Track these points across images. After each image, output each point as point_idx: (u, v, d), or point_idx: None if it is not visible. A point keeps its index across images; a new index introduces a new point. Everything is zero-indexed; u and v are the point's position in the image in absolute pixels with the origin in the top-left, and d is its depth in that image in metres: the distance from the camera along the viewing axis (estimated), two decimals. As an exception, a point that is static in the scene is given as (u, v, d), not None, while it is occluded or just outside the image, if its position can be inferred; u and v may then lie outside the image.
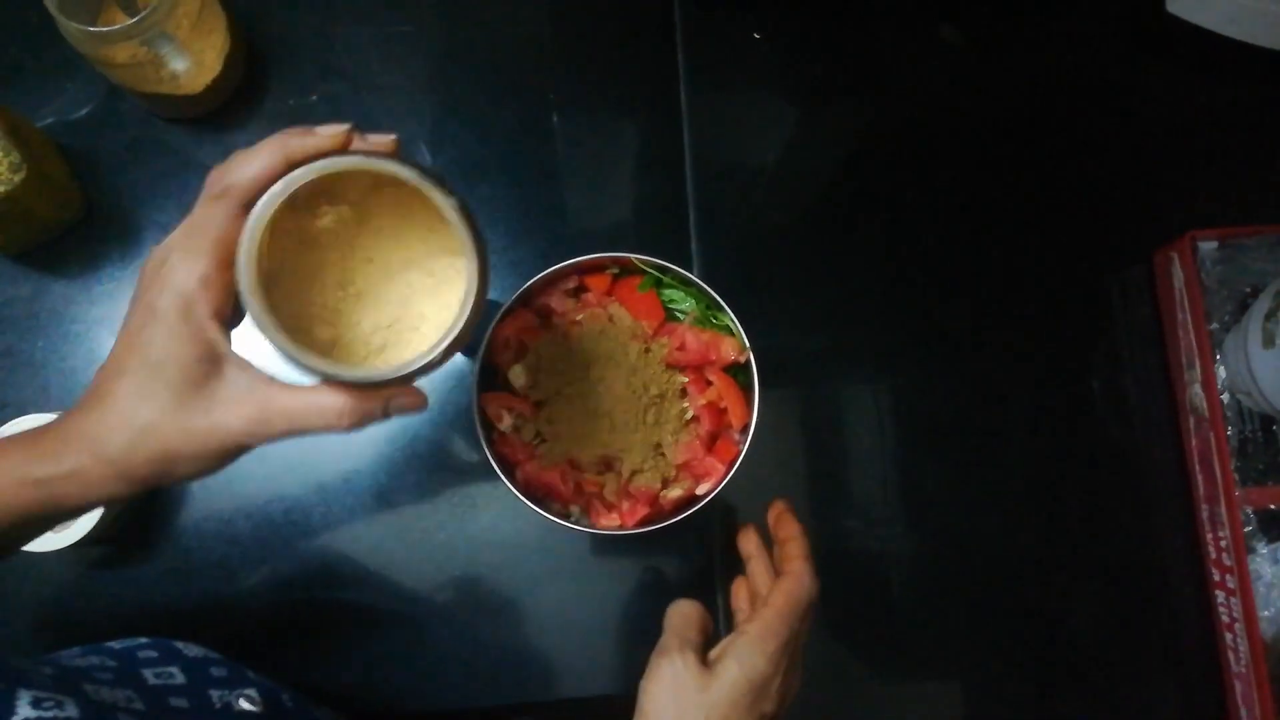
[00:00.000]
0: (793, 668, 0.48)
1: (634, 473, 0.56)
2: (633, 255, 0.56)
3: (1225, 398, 0.67)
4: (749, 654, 0.46)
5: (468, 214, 0.38)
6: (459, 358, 0.66)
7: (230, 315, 0.39)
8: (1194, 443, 0.69)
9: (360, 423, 0.39)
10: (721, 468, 0.55)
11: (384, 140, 0.39)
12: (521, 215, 0.69)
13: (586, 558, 0.65)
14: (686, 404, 0.57)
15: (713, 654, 0.48)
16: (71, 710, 0.41)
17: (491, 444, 0.54)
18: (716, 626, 0.62)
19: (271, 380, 0.38)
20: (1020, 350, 0.71)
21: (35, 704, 0.40)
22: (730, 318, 0.55)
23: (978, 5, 0.75)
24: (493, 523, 0.65)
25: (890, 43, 0.75)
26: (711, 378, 0.56)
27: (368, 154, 0.38)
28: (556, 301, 0.57)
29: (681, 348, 0.56)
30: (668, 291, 0.58)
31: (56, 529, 0.57)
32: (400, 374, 0.38)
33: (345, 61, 0.70)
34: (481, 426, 0.54)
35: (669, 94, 0.72)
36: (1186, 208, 0.71)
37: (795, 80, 0.74)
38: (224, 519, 0.63)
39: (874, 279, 0.71)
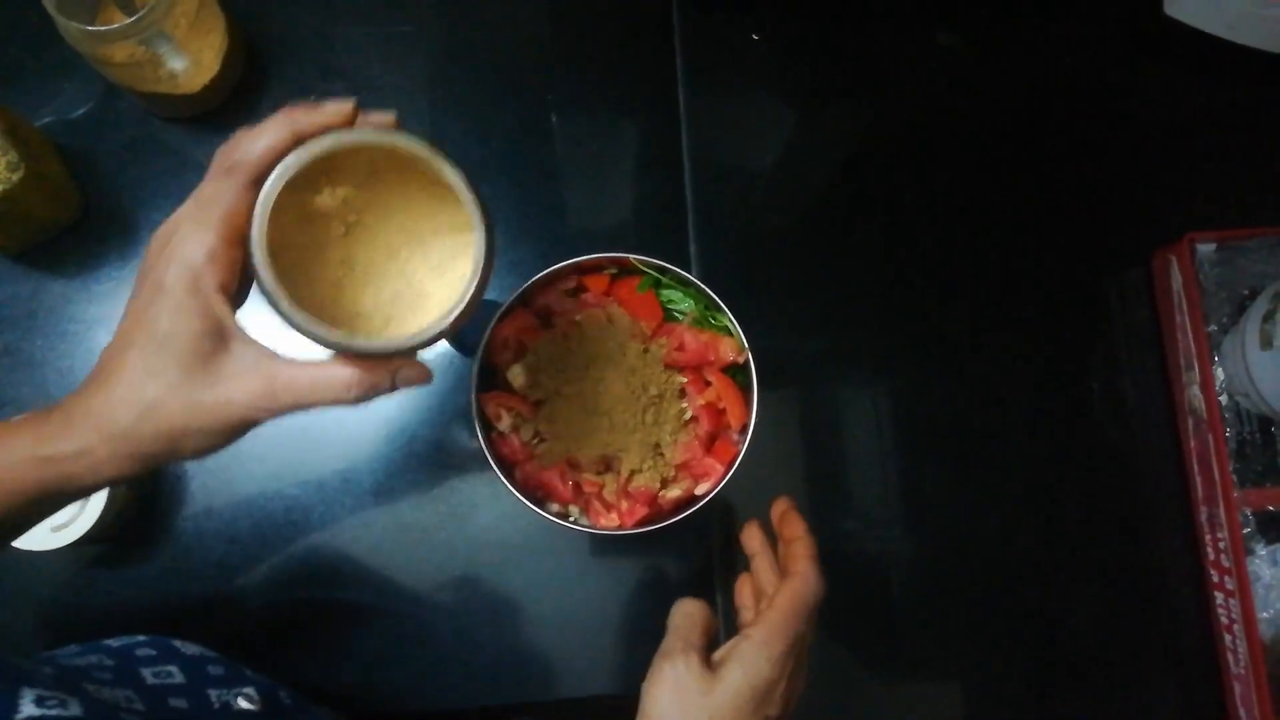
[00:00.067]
0: (798, 670, 0.47)
1: (633, 473, 0.56)
2: (631, 255, 0.56)
3: (1223, 399, 0.67)
4: (753, 658, 0.45)
5: (474, 186, 0.38)
6: (458, 357, 0.66)
7: (236, 291, 0.39)
8: (1192, 444, 0.69)
9: (367, 395, 0.39)
10: (720, 468, 0.55)
11: (385, 118, 0.39)
12: (521, 215, 0.69)
13: (585, 558, 0.65)
14: (685, 404, 0.57)
15: (716, 656, 0.47)
16: (76, 709, 0.41)
17: (490, 444, 0.54)
18: (715, 627, 0.62)
19: (278, 355, 0.38)
20: (1019, 352, 0.71)
21: (39, 702, 0.40)
22: (729, 318, 0.55)
23: (976, 8, 0.75)
24: (492, 522, 0.65)
25: (889, 45, 0.75)
26: (710, 378, 0.56)
27: (377, 129, 0.38)
28: (555, 301, 0.57)
29: (680, 348, 0.56)
30: (666, 292, 0.58)
31: (55, 528, 0.57)
32: (411, 343, 0.38)
33: (345, 61, 0.70)
34: (480, 426, 0.54)
35: (668, 95, 0.72)
36: (1185, 210, 0.71)
37: (794, 82, 0.74)
38: (224, 518, 0.63)
39: (873, 281, 0.71)
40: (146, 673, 0.51)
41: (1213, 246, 0.68)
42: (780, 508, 0.53)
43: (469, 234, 0.40)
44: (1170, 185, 0.74)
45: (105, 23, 0.57)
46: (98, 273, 0.66)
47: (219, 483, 0.64)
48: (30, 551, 0.57)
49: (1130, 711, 0.68)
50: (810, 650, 0.49)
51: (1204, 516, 0.68)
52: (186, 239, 0.37)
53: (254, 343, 0.38)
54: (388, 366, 0.39)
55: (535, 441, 0.56)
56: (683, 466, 0.56)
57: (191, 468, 0.64)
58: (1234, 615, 0.65)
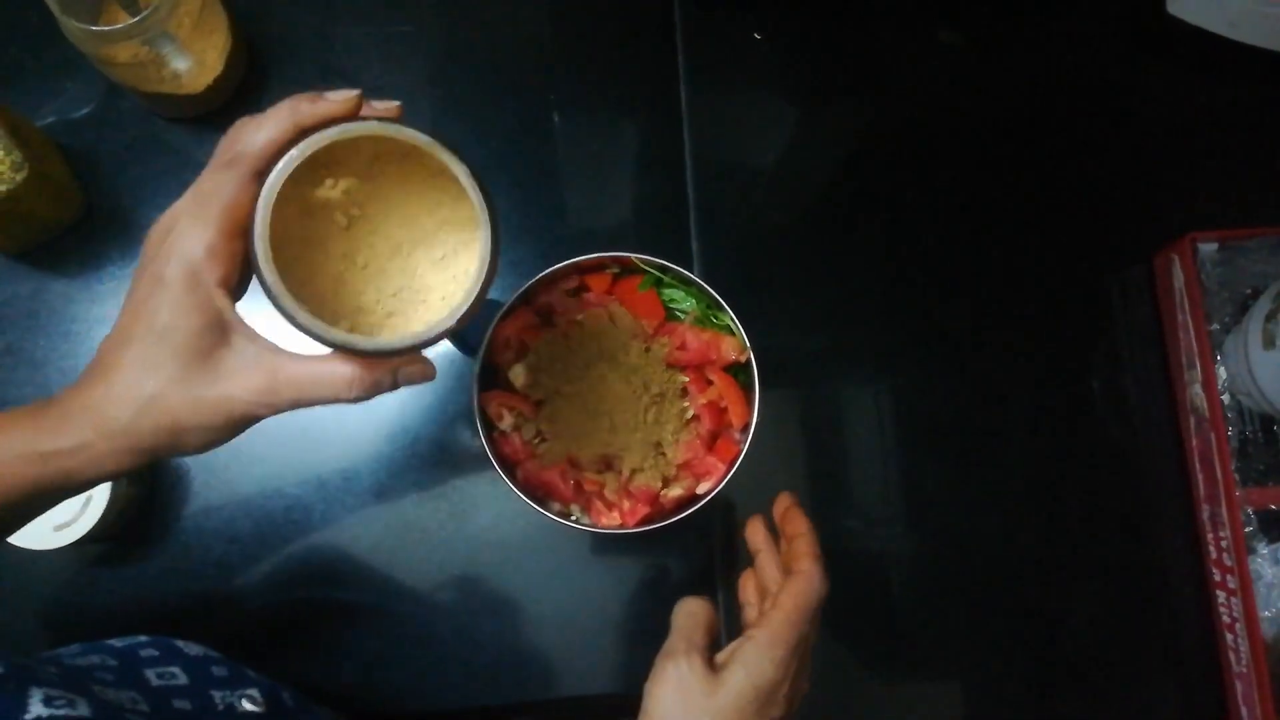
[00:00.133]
0: (801, 670, 0.47)
1: (634, 472, 0.56)
2: (633, 255, 0.56)
3: (1226, 398, 0.67)
4: (757, 660, 0.45)
5: (480, 180, 0.38)
6: (460, 356, 0.66)
7: (236, 284, 0.38)
8: (1194, 443, 0.69)
9: (368, 393, 0.38)
10: (722, 467, 0.55)
11: (389, 106, 0.39)
12: (522, 215, 0.69)
13: (587, 557, 0.65)
14: (687, 403, 0.57)
15: (719, 658, 0.46)
16: (84, 709, 0.41)
17: (492, 443, 0.54)
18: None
19: (279, 349, 0.38)
20: (1020, 350, 0.71)
21: (47, 702, 0.39)
22: (730, 317, 0.55)
23: (978, 6, 0.75)
24: (493, 522, 0.65)
25: (890, 43, 0.75)
26: (712, 377, 0.56)
27: (381, 120, 0.37)
28: (557, 301, 0.57)
29: (682, 347, 0.56)
30: (668, 291, 0.58)
31: (57, 527, 0.57)
32: (414, 343, 0.38)
33: (345, 61, 0.70)
34: (482, 425, 0.54)
35: (669, 94, 0.72)
36: (1187, 209, 0.71)
37: (795, 80, 0.74)
38: (224, 517, 0.63)
39: (874, 279, 0.71)
40: (150, 673, 0.51)
41: (1215, 246, 0.68)
42: (783, 504, 0.53)
43: (473, 228, 0.40)
44: (1172, 183, 0.74)
45: (108, 23, 0.58)
46: (100, 272, 0.66)
47: (220, 482, 0.64)
48: (32, 550, 0.57)
49: (1131, 710, 0.68)
50: (813, 650, 0.49)
51: (1206, 515, 0.68)
52: (186, 232, 0.36)
53: (256, 337, 0.38)
54: (390, 364, 0.39)
55: (537, 441, 0.56)
56: (684, 465, 0.56)
57: (192, 467, 0.64)
58: (1236, 614, 0.65)
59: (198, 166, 0.39)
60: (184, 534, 0.63)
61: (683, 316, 0.58)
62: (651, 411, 0.56)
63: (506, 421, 0.56)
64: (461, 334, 0.59)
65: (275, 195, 0.36)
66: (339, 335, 0.37)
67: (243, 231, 0.37)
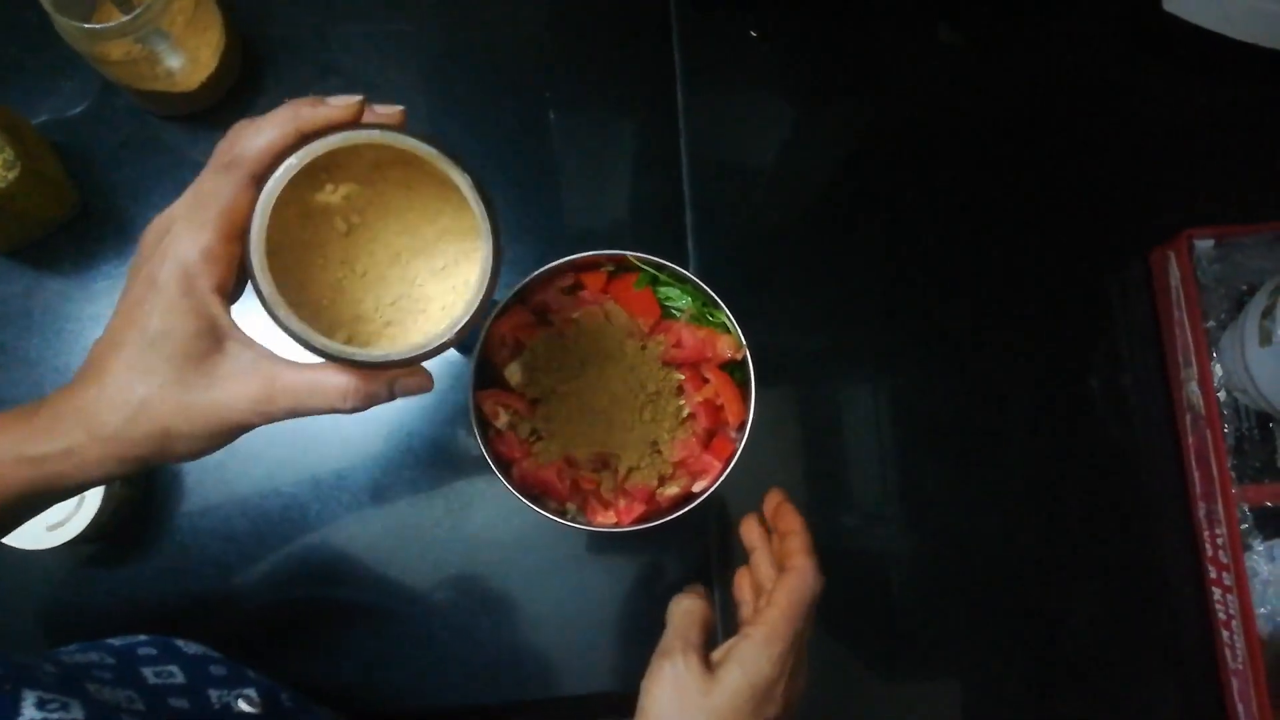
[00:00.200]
0: (798, 667, 0.46)
1: (630, 470, 0.56)
2: (629, 253, 0.56)
3: (1222, 395, 0.67)
4: (753, 658, 0.44)
5: (483, 191, 0.37)
6: (456, 355, 0.66)
7: (232, 289, 0.38)
8: (1191, 441, 0.69)
9: (365, 404, 0.38)
10: (718, 465, 0.55)
11: (391, 111, 0.38)
12: (519, 213, 0.69)
13: (583, 555, 0.65)
14: (683, 401, 0.57)
15: (715, 655, 0.46)
16: (77, 712, 0.40)
17: (488, 441, 0.54)
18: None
19: (275, 357, 0.37)
20: (1019, 349, 0.71)
21: (40, 705, 0.39)
22: (726, 314, 0.55)
23: (977, 5, 0.75)
24: (489, 520, 0.65)
25: (889, 42, 0.75)
26: (708, 375, 0.56)
27: (384, 128, 0.37)
28: (553, 299, 0.57)
29: (678, 345, 0.56)
30: (664, 289, 0.58)
31: (50, 526, 0.57)
32: (412, 355, 0.37)
33: (343, 60, 0.70)
34: (478, 424, 0.54)
35: (666, 93, 0.72)
36: (1184, 206, 0.71)
37: (793, 80, 0.74)
38: (220, 516, 0.63)
39: (872, 278, 0.71)
40: (148, 672, 0.51)
41: (1211, 243, 0.68)
42: (773, 500, 0.53)
43: (474, 238, 0.39)
44: (1170, 181, 0.74)
45: (102, 20, 0.57)
46: (94, 271, 0.65)
47: (216, 481, 0.64)
48: (25, 550, 0.56)
49: (1130, 708, 0.68)
50: (810, 648, 0.49)
51: (1202, 512, 0.68)
52: (181, 236, 0.36)
53: (252, 344, 0.37)
54: (387, 375, 0.38)
55: (533, 439, 0.56)
56: (680, 464, 0.56)
57: (188, 466, 0.64)
58: (1232, 611, 0.65)
59: (192, 164, 0.38)
60: (180, 533, 0.63)
61: (678, 314, 0.58)
62: (647, 410, 0.56)
63: (502, 420, 0.56)
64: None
65: (274, 202, 0.35)
66: (334, 346, 0.36)
67: (240, 236, 0.36)
